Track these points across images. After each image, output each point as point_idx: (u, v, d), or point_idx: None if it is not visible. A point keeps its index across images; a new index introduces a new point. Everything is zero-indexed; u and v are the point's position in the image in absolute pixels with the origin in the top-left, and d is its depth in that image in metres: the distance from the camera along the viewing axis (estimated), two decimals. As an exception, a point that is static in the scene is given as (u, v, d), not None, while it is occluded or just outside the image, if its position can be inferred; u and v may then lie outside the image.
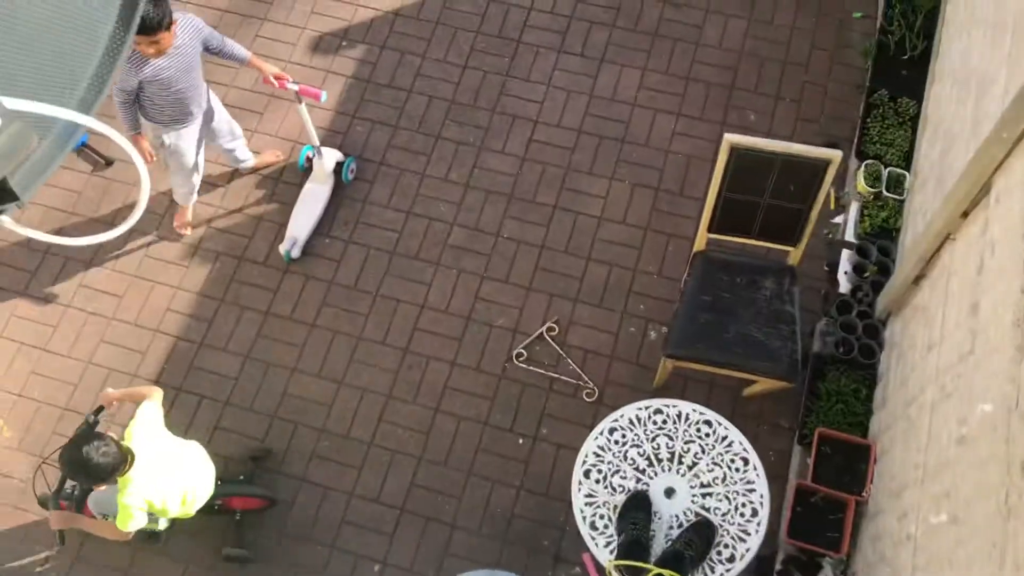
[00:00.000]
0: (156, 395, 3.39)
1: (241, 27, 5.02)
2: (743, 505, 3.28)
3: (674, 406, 3.45)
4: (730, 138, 3.40)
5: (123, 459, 3.04)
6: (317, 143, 4.35)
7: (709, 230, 3.73)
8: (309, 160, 4.56)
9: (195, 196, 4.42)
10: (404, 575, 3.83)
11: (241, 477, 3.88)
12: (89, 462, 2.93)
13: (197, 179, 4.31)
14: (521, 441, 4.06)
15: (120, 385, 4.20)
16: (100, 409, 3.42)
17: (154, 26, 3.46)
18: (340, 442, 4.08)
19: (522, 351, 4.22)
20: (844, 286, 4.12)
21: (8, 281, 4.44)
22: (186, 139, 4.04)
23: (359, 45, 4.96)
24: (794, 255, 3.73)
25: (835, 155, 3.34)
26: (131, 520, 3.12)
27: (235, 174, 4.66)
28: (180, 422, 4.12)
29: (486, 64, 4.88)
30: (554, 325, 4.27)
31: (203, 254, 4.48)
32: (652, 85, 4.80)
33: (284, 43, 4.98)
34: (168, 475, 3.24)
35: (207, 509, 3.54)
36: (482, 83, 4.83)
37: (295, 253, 4.40)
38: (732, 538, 3.23)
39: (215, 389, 4.20)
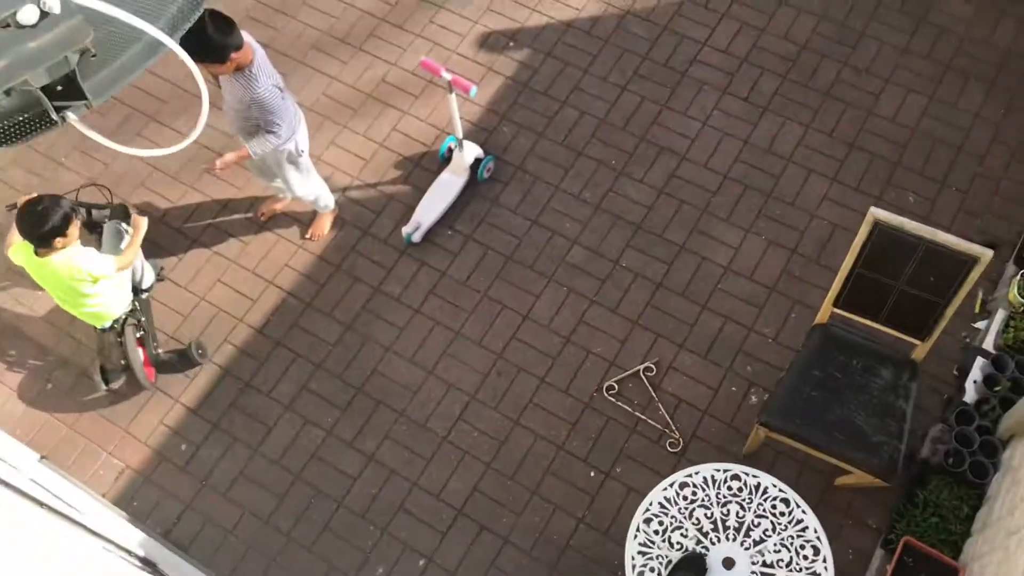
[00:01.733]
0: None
1: (417, 11, 5.12)
2: (805, 598, 3.07)
3: (755, 476, 3.26)
4: (876, 212, 3.20)
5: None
6: (460, 136, 4.37)
7: (835, 304, 3.52)
8: (450, 151, 4.60)
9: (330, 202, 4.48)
10: (446, 577, 3.79)
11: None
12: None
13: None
14: (593, 474, 3.94)
15: (224, 327, 4.34)
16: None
17: (195, 52, 3.42)
18: (416, 430, 4.08)
19: (614, 384, 4.10)
20: (970, 395, 3.81)
21: (148, 208, 4.67)
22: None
23: (525, 49, 4.97)
24: (920, 350, 3.47)
25: (985, 254, 3.08)
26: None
27: (379, 149, 4.75)
28: (272, 375, 4.22)
29: (645, 90, 4.79)
30: (653, 366, 4.13)
31: (330, 219, 4.58)
32: (813, 144, 4.60)
33: (455, 33, 5.04)
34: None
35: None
36: (637, 109, 4.75)
37: (416, 238, 4.44)
38: (785, 629, 3.02)
39: (311, 350, 4.27)
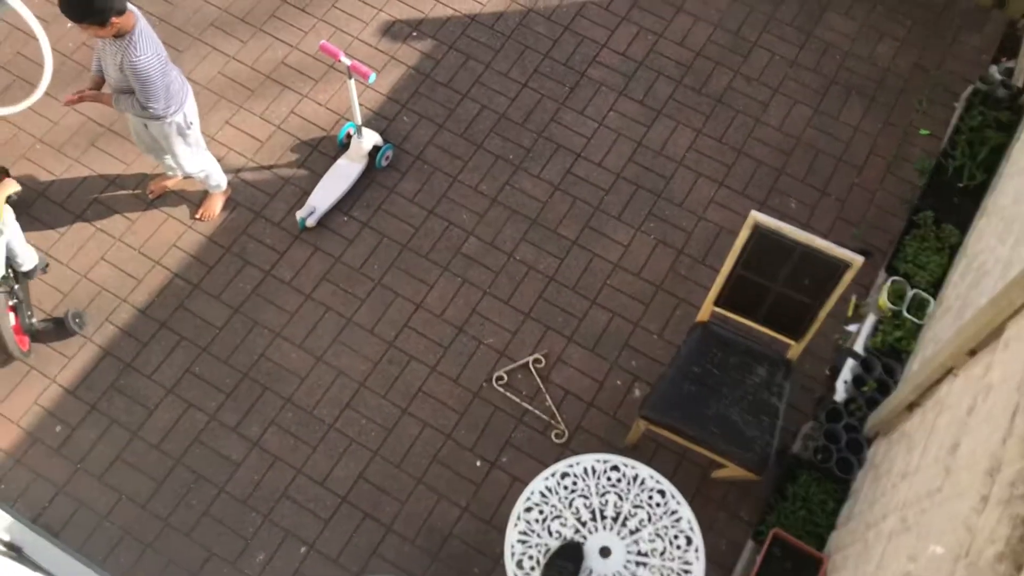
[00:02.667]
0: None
1: (320, -6, 5.06)
2: (675, 584, 3.18)
3: (633, 467, 3.36)
4: (756, 215, 3.33)
5: None
6: (360, 123, 4.35)
7: (715, 303, 3.66)
8: (348, 137, 4.57)
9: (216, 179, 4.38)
10: (328, 564, 3.76)
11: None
12: None
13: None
14: (479, 464, 3.99)
15: (107, 306, 4.21)
16: None
17: (69, 11, 3.36)
18: (303, 416, 4.04)
19: (503, 375, 4.16)
20: (840, 394, 4.01)
21: (30, 183, 4.48)
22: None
23: (428, 39, 4.97)
24: (794, 349, 3.64)
25: (856, 260, 3.26)
26: None
27: (276, 131, 4.68)
28: (155, 357, 4.11)
29: (545, 88, 4.86)
30: (541, 358, 4.20)
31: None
32: (702, 149, 4.75)
33: (358, 20, 5.01)
34: None
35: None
36: (536, 105, 4.81)
37: (311, 222, 4.40)
38: (679, 575, 3.13)
39: (197, 334, 4.19)
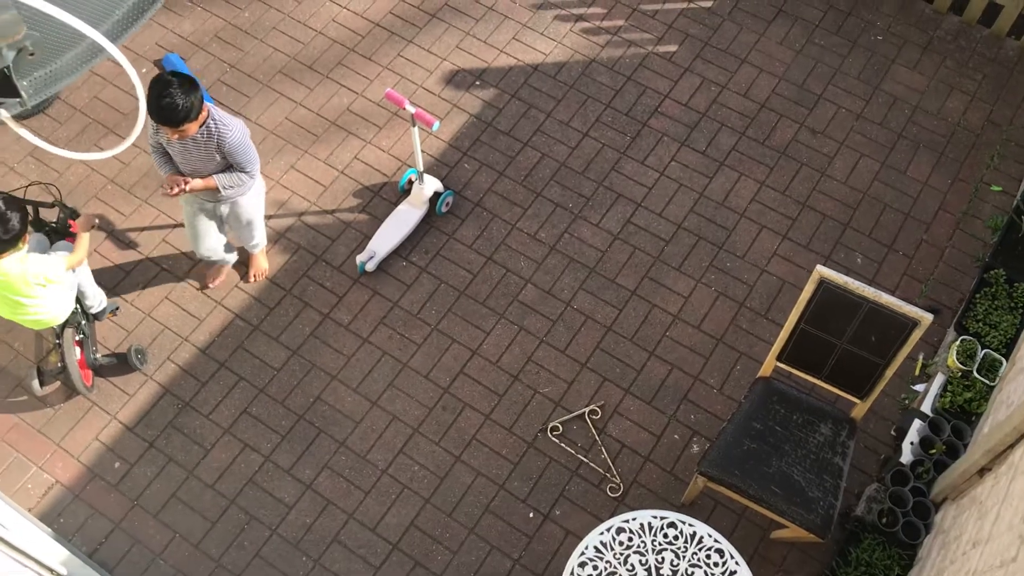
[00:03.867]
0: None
1: (386, 43, 5.16)
2: (733, 650, 3.07)
3: (691, 525, 3.27)
4: (821, 270, 3.27)
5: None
6: (421, 169, 4.39)
7: (778, 358, 3.58)
8: (410, 183, 4.61)
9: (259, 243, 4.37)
10: (376, 613, 3.72)
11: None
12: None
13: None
14: (532, 515, 3.93)
15: (168, 345, 4.27)
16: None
17: (177, 118, 3.40)
18: (356, 461, 4.03)
19: (558, 426, 4.11)
20: (906, 456, 3.88)
21: (100, 221, 4.60)
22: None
23: (491, 88, 5.02)
24: (859, 408, 3.53)
25: (925, 318, 3.16)
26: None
27: (339, 176, 4.75)
28: (213, 397, 4.15)
29: (606, 137, 4.86)
30: (598, 409, 4.14)
31: (284, 243, 4.55)
32: (766, 201, 4.69)
33: (422, 68, 5.08)
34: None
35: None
36: (597, 155, 4.81)
37: (370, 267, 4.43)
38: None
39: (255, 374, 4.22)
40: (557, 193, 4.70)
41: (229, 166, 3.75)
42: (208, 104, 3.60)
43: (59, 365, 3.98)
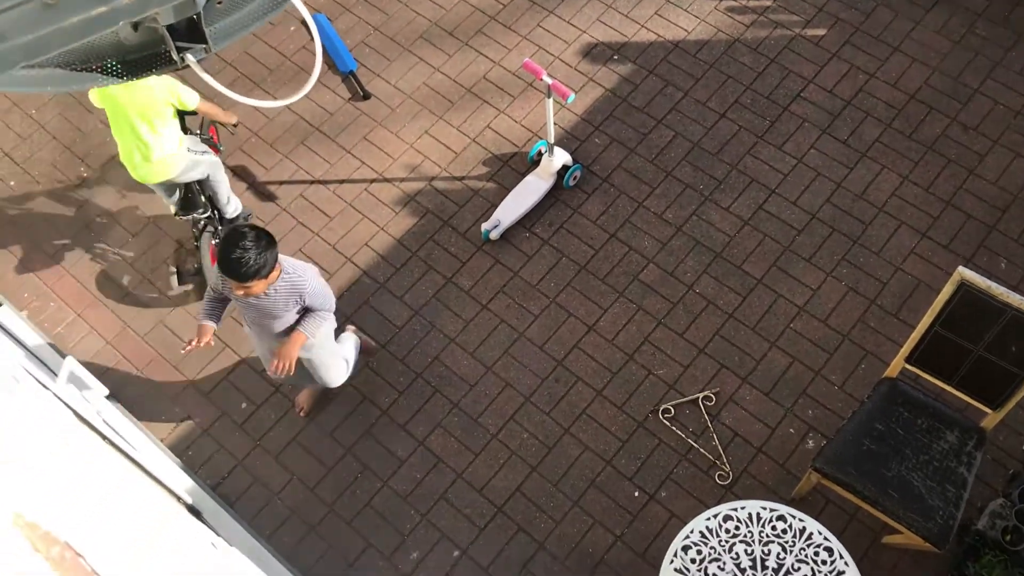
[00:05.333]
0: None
1: (527, 13, 5.17)
2: (835, 651, 3.00)
3: (801, 520, 3.20)
4: (964, 272, 3.12)
5: None
6: (552, 141, 4.40)
7: (907, 360, 3.44)
8: (540, 154, 4.63)
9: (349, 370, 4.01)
10: (478, 572, 3.80)
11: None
12: None
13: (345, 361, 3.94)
14: (637, 494, 3.92)
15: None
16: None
17: (247, 275, 3.05)
18: (468, 423, 4.11)
19: (671, 408, 4.08)
20: (1039, 474, 3.68)
21: (243, 173, 4.81)
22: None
23: (628, 63, 4.98)
24: (991, 419, 3.37)
25: (1076, 329, 2.98)
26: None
27: (471, 144, 4.81)
28: (336, 348, 4.31)
29: (744, 120, 4.75)
30: (712, 396, 4.09)
31: (414, 206, 4.66)
32: (907, 196, 4.50)
33: (560, 40, 5.08)
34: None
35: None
36: (733, 137, 4.71)
37: (494, 235, 4.48)
38: None
39: (378, 331, 4.35)
40: (688, 174, 4.63)
41: (304, 311, 3.44)
42: (280, 260, 3.25)
43: (195, 266, 4.41)
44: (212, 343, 3.48)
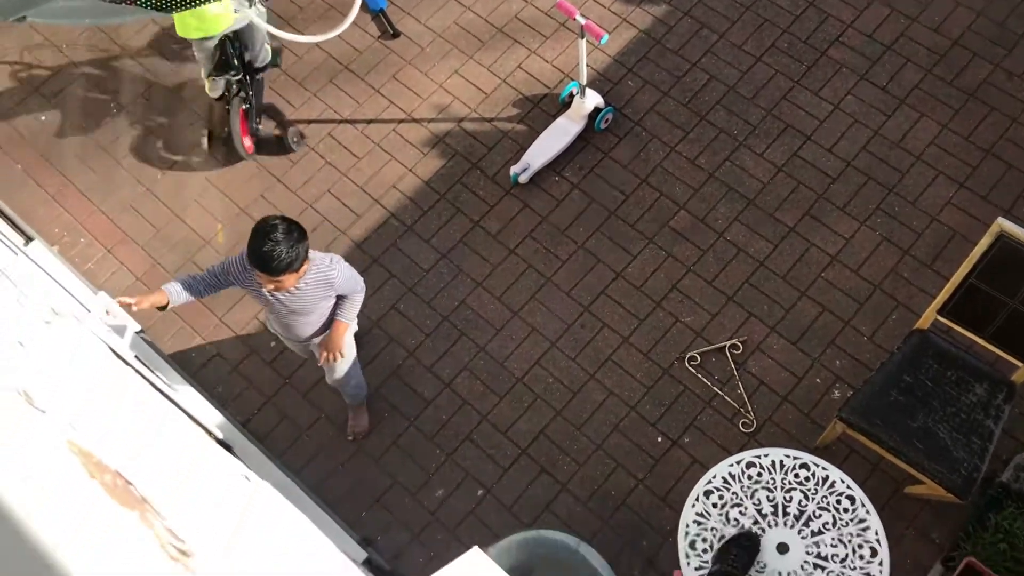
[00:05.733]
0: None
1: (561, -48, 5.06)
2: (855, 597, 3.03)
3: (824, 468, 3.21)
4: (1003, 223, 3.07)
5: None
6: (584, 83, 4.34)
7: (940, 311, 3.41)
8: (571, 96, 4.57)
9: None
10: (501, 511, 3.86)
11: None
12: None
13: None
14: (660, 439, 3.95)
15: (327, 237, 4.45)
16: None
17: (279, 268, 2.97)
18: (494, 366, 4.14)
19: (696, 356, 4.08)
20: (1067, 429, 3.66)
21: (271, 111, 4.79)
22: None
23: (663, 5, 4.87)
24: (1022, 373, 3.34)
25: (1115, 284, 2.93)
26: None
27: (501, 85, 4.75)
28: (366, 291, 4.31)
29: (780, 64, 4.65)
30: (739, 344, 4.08)
31: (442, 148, 4.63)
32: (946, 145, 4.41)
33: (594, -20, 4.98)
34: None
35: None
36: (769, 81, 4.62)
37: (523, 179, 4.45)
38: (829, 624, 3.00)
39: (405, 273, 4.36)
40: (722, 118, 4.56)
41: (338, 299, 3.41)
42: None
43: (226, 130, 4.51)
44: (143, 308, 3.15)
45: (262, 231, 2.96)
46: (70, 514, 0.95)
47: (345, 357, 3.60)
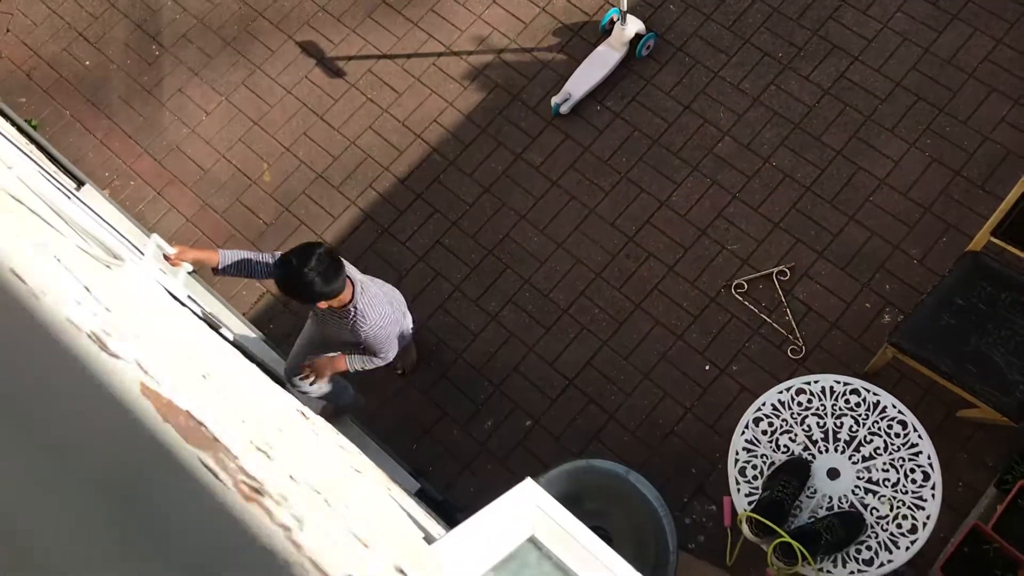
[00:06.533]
0: None
1: None
2: (910, 512, 3.05)
3: (875, 394, 3.21)
4: (1061, 141, 2.97)
5: None
6: (625, 8, 4.25)
7: (993, 233, 3.34)
8: (612, 23, 4.49)
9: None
10: (550, 441, 3.93)
11: None
12: None
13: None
14: (708, 368, 3.96)
15: (371, 173, 4.47)
16: None
17: (303, 297, 2.91)
18: (539, 298, 4.16)
19: (743, 283, 4.06)
20: (1125, 349, 3.59)
21: (311, 48, 4.78)
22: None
23: (705, -77, 4.73)
24: (1080, 293, 3.28)
25: None
26: None
27: (540, 13, 4.68)
28: (410, 226, 4.35)
29: (827, -18, 4.52)
30: (787, 270, 4.05)
31: (482, 80, 4.59)
32: (1000, 61, 4.26)
33: (633, -100, 4.83)
34: None
35: None
36: (815, 1, 4.49)
37: (564, 109, 4.41)
38: (910, 509, 3.03)
39: (449, 208, 4.37)
40: (767, 41, 4.45)
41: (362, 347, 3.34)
42: (362, 291, 3.08)
43: None
44: (185, 266, 3.18)
45: (296, 251, 2.87)
46: (147, 460, 0.99)
47: (319, 386, 3.55)
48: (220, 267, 3.19)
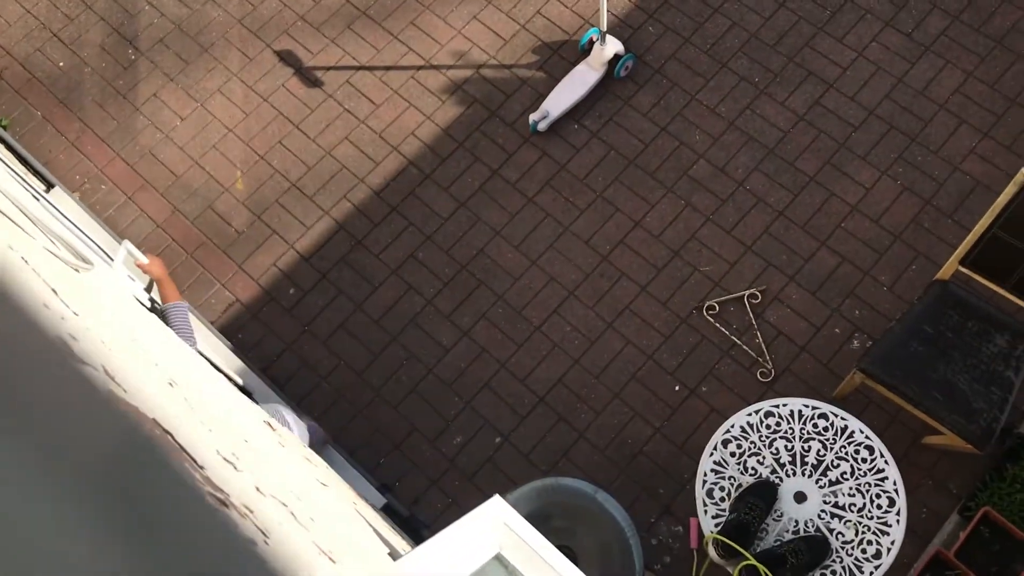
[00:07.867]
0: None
1: None
2: (875, 537, 3.07)
3: (843, 418, 3.23)
4: (1029, 173, 3.03)
5: None
6: (604, 29, 4.28)
7: (961, 262, 3.39)
8: (591, 43, 4.51)
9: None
10: (519, 458, 3.91)
11: None
12: None
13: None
14: (677, 388, 3.97)
15: (346, 184, 4.45)
16: None
17: None
18: (512, 315, 4.16)
19: (715, 305, 4.08)
20: (1087, 381, 3.65)
21: (289, 57, 4.76)
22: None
23: (685, -52, 4.78)
24: (1044, 324, 3.33)
25: None
26: None
27: (520, 31, 4.69)
28: (384, 238, 4.33)
29: (804, 10, 4.57)
30: (758, 293, 4.08)
31: (461, 95, 4.59)
32: (970, 94, 4.34)
33: (615, -78, 4.88)
34: None
35: None
36: (792, 28, 4.54)
37: (542, 127, 4.42)
38: (875, 534, 3.04)
39: (423, 222, 4.36)
40: (743, 66, 4.50)
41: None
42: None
43: None
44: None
45: None
46: (114, 467, 0.97)
47: None
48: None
